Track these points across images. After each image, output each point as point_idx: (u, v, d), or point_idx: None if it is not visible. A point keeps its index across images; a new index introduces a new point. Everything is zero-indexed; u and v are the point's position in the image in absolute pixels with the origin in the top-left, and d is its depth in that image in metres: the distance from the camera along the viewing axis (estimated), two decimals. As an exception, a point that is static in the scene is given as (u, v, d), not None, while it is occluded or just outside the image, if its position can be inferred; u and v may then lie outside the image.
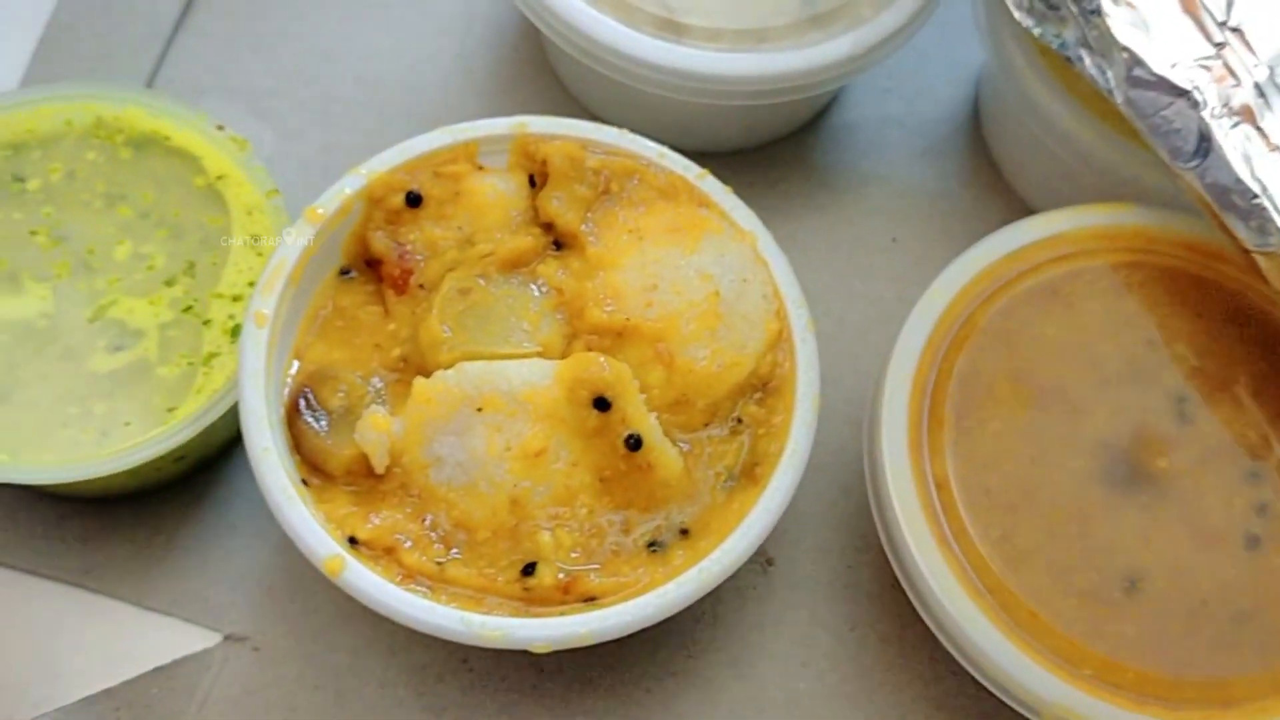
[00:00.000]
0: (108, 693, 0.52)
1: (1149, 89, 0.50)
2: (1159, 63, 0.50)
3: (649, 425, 0.48)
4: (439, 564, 0.47)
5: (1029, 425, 0.50)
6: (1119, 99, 0.51)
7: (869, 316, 0.62)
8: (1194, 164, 0.49)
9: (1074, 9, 0.52)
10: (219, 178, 0.55)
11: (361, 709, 0.53)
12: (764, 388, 0.51)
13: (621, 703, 0.54)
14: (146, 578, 0.54)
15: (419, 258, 0.52)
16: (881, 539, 0.50)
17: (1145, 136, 0.51)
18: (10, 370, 0.51)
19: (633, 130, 0.54)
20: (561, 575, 0.47)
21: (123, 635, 0.54)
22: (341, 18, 0.68)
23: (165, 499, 0.56)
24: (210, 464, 0.56)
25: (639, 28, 0.57)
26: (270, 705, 0.53)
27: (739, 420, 0.50)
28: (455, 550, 0.47)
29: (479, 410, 0.47)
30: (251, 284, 0.53)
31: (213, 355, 0.52)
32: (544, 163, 0.52)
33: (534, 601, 0.47)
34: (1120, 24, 0.50)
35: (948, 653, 0.55)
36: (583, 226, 0.51)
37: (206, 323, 0.52)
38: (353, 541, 0.47)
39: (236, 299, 0.53)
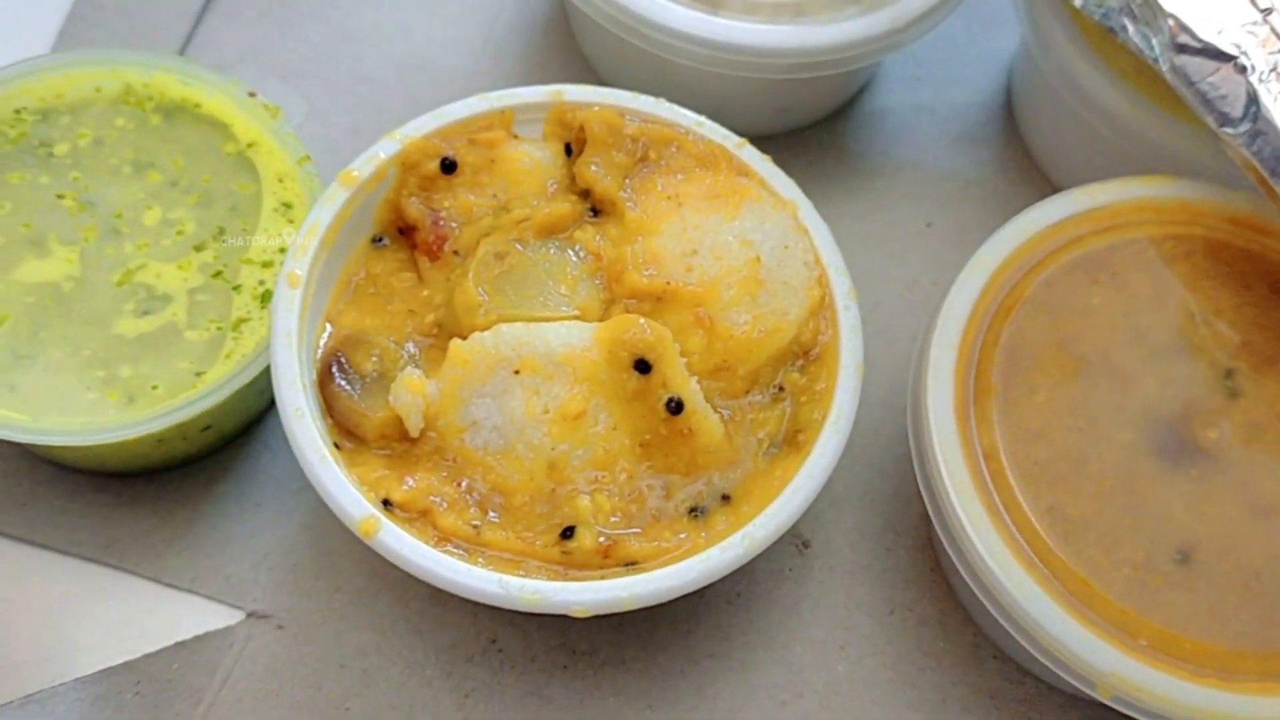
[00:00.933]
0: (128, 665, 0.50)
1: (1195, 55, 0.49)
2: (1205, 29, 0.49)
3: (690, 389, 0.46)
4: (475, 527, 0.45)
5: (1076, 396, 0.49)
6: (1164, 67, 0.50)
7: (904, 300, 0.61)
8: (1243, 129, 0.49)
9: (1117, -22, 0.51)
10: (250, 145, 0.54)
11: (389, 688, 0.51)
12: (806, 355, 0.50)
13: (655, 684, 0.52)
14: (168, 554, 0.53)
15: (453, 224, 0.51)
16: (929, 510, 0.49)
17: (1191, 104, 0.50)
18: (35, 333, 0.50)
19: (668, 108, 0.54)
20: (602, 539, 0.45)
21: (143, 611, 0.52)
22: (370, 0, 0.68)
23: (188, 475, 0.54)
24: (234, 440, 0.55)
25: (676, 0, 0.56)
26: (295, 683, 0.51)
27: (780, 388, 0.49)
28: (492, 514, 0.46)
29: (516, 372, 0.46)
30: (282, 250, 0.52)
31: (242, 320, 0.50)
32: (580, 130, 0.52)
33: (573, 565, 0.45)
34: (1166, -9, 0.50)
35: (989, 637, 0.54)
36: (621, 193, 0.50)
37: (236, 288, 0.51)
38: (387, 504, 0.45)
39: (267, 265, 0.52)
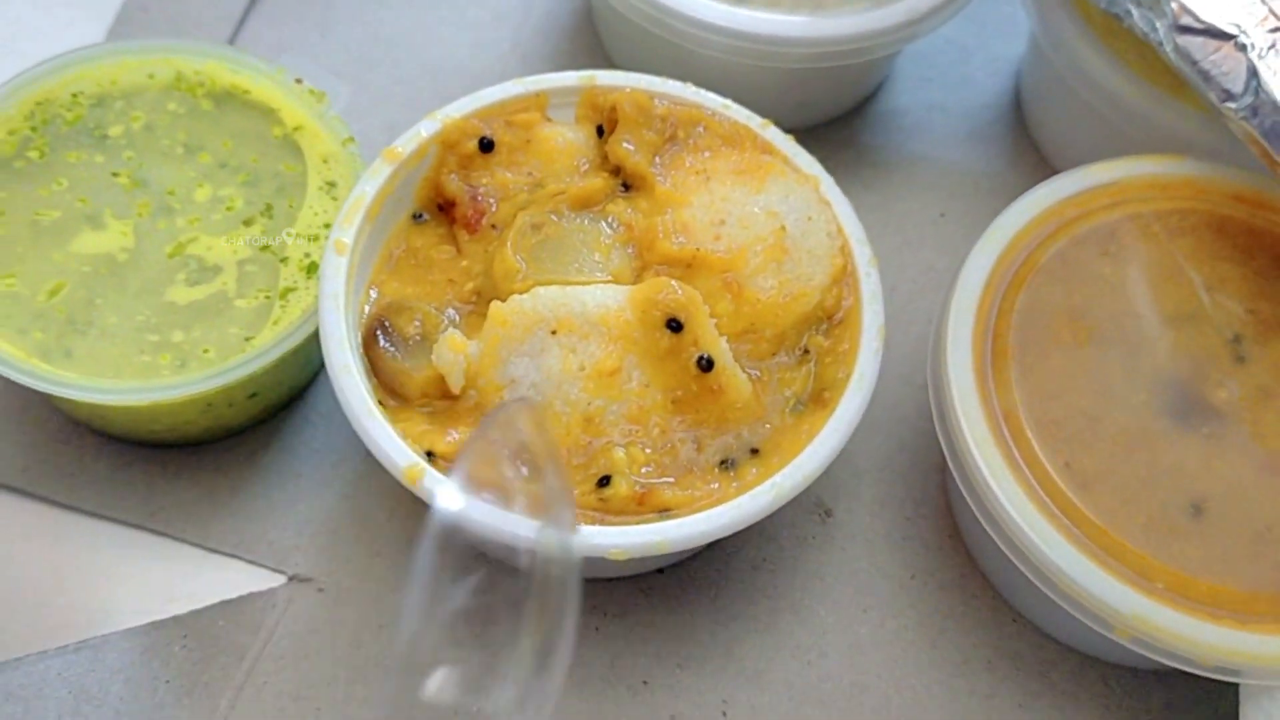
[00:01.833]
0: (176, 620, 0.52)
1: (1198, 35, 0.52)
2: (1206, 10, 0.52)
3: (720, 348, 0.48)
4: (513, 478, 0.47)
5: (1089, 360, 0.51)
6: (1168, 48, 0.53)
7: (920, 284, 0.63)
8: (1244, 103, 0.51)
9: (1121, -33, 0.54)
10: (296, 129, 0.56)
11: (426, 646, 0.53)
12: (830, 319, 0.52)
13: (684, 644, 0.53)
14: (212, 521, 0.55)
15: (491, 200, 0.53)
16: (950, 466, 0.50)
17: (1194, 83, 0.52)
18: (90, 301, 0.52)
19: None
20: (637, 487, 0.47)
21: (188, 575, 0.54)
22: (404, 6, 0.71)
23: (231, 447, 0.56)
24: (277, 412, 0.57)
25: (703, -7, 0.59)
26: (335, 642, 0.52)
27: (805, 350, 0.51)
28: (526, 465, 0.47)
29: (553, 332, 0.48)
30: (327, 225, 0.54)
31: (289, 290, 0.53)
32: (612, 110, 0.54)
33: (610, 512, 0.47)
34: (1167, -23, 0.53)
35: (1008, 601, 0.56)
36: (651, 168, 0.52)
37: (284, 260, 0.53)
38: (429, 456, 0.47)
39: (313, 239, 0.54)
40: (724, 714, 0.52)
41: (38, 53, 0.58)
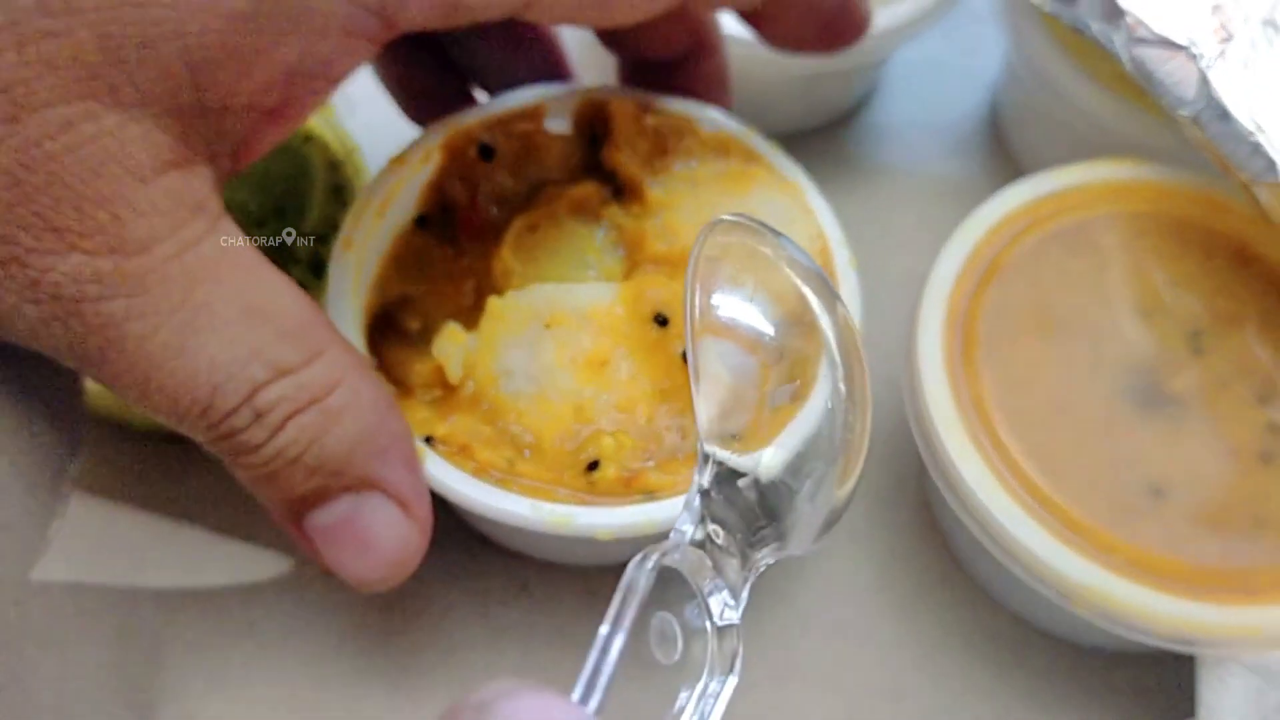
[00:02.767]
0: (192, 595, 0.55)
1: (1152, 46, 0.55)
2: (1159, 23, 0.55)
3: None
4: (509, 461, 0.50)
5: (1055, 351, 0.54)
6: (1125, 59, 0.56)
7: (900, 287, 0.66)
8: (1197, 109, 0.54)
9: (1082, -17, 0.58)
10: (305, 138, 0.60)
11: (427, 627, 0.55)
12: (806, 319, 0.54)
13: (673, 625, 0.56)
14: (224, 508, 0.58)
15: (491, 205, 0.56)
16: (921, 451, 0.53)
17: (1151, 91, 0.56)
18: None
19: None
20: (624, 472, 0.50)
21: (201, 557, 0.57)
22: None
23: (243, 440, 0.59)
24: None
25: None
26: (343, 622, 0.55)
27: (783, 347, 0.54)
28: (525, 451, 0.50)
29: (547, 326, 0.51)
30: (335, 227, 0.57)
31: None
32: (606, 121, 0.57)
33: (597, 494, 0.50)
34: (1125, -9, 0.56)
35: (983, 586, 0.58)
36: (643, 176, 0.55)
37: (295, 261, 0.57)
38: (429, 441, 0.50)
39: (321, 240, 0.57)
40: (710, 689, 0.55)
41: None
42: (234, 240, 0.41)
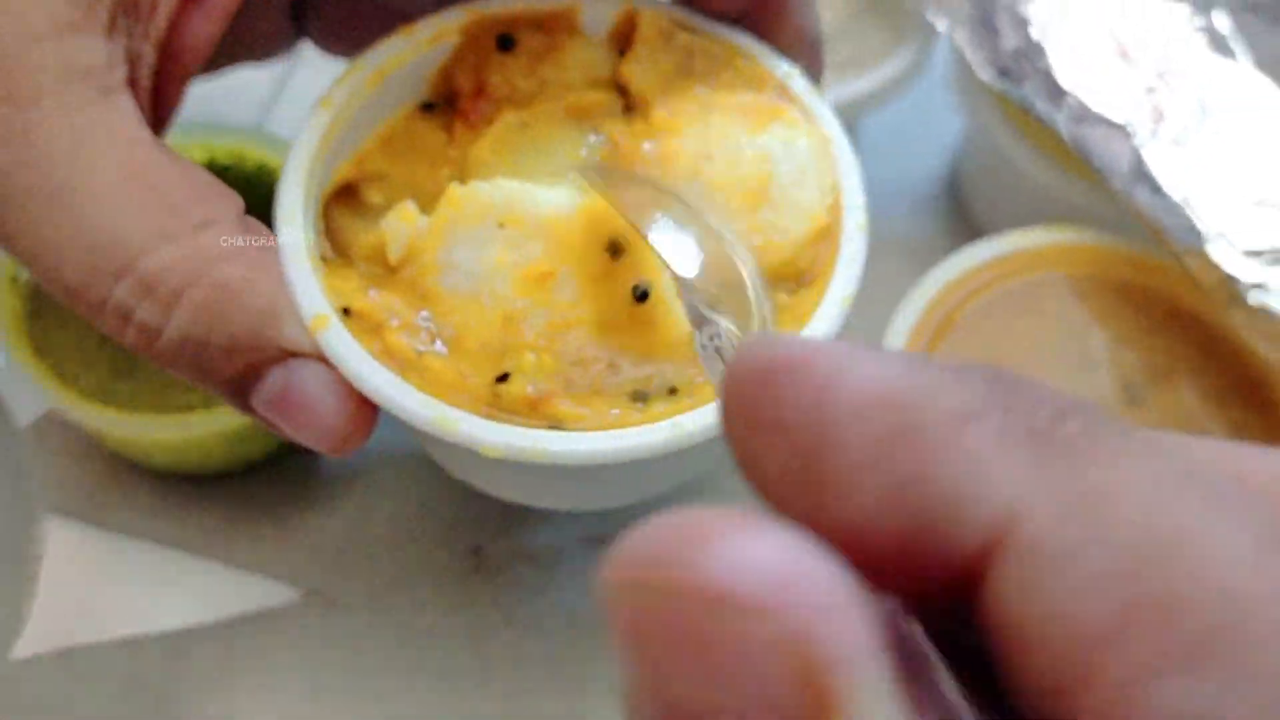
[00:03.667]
0: (203, 627, 0.59)
1: (1091, 125, 0.61)
2: (1097, 104, 0.60)
3: (662, 281, 0.47)
4: (419, 352, 0.46)
5: (1002, 403, 0.59)
6: (1066, 135, 0.61)
7: (865, 340, 0.71)
8: (1132, 184, 0.59)
9: (1029, 66, 0.63)
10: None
11: (419, 646, 0.60)
12: (799, 280, 0.49)
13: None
14: (236, 542, 0.62)
15: (497, 97, 0.53)
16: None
17: (1090, 166, 0.61)
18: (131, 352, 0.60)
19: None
20: (531, 389, 0.46)
21: (214, 589, 0.61)
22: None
23: (251, 477, 0.64)
24: (293, 447, 0.64)
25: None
26: (343, 645, 0.60)
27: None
28: (440, 345, 0.47)
29: (501, 225, 0.47)
30: (341, 284, 0.62)
31: (307, 340, 0.60)
32: (635, 29, 0.53)
33: (500, 409, 0.45)
34: (1065, 74, 0.61)
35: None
36: (656, 93, 0.52)
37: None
38: (346, 312, 0.46)
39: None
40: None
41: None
42: (128, 115, 0.41)
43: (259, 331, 0.42)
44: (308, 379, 0.43)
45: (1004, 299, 0.62)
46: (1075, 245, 0.64)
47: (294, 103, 0.78)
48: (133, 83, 0.43)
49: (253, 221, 0.44)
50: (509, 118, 0.51)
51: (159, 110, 0.47)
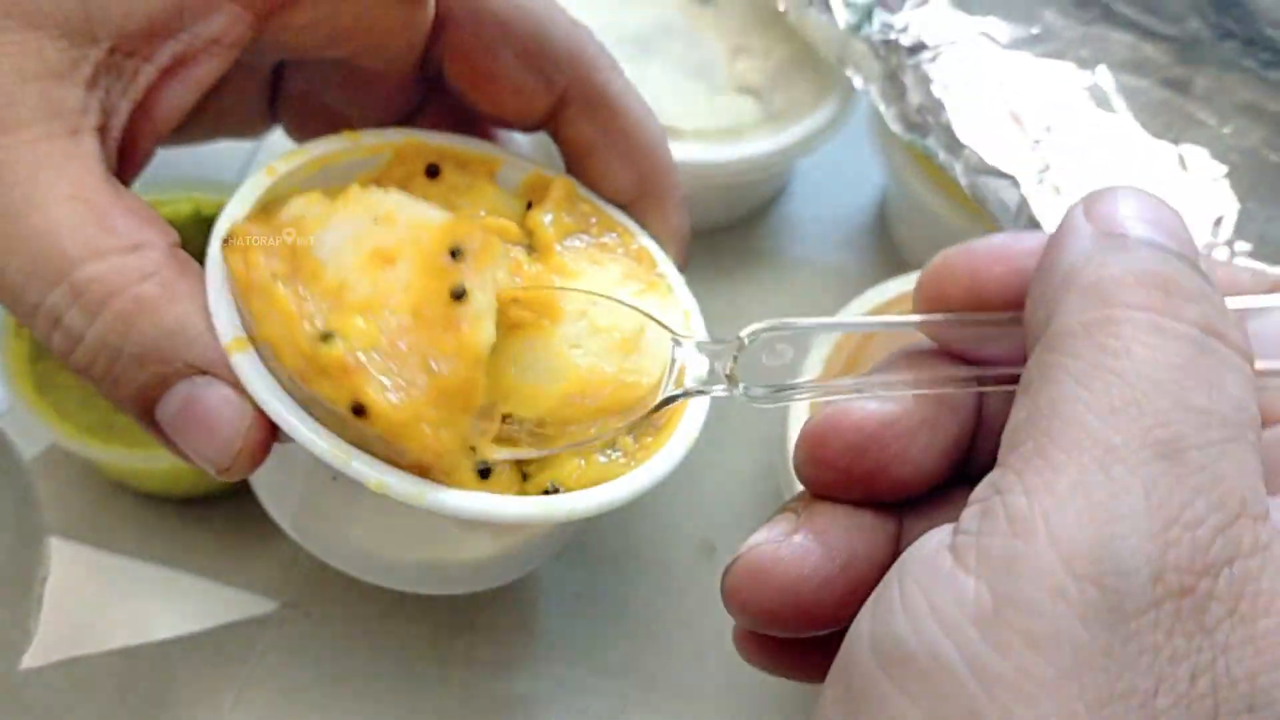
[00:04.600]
0: (191, 636, 0.66)
1: (985, 175, 0.67)
2: (991, 156, 0.67)
3: (487, 293, 0.49)
4: (276, 276, 0.49)
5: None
6: (964, 184, 0.68)
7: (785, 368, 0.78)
8: (1020, 227, 0.66)
9: (932, 120, 0.69)
10: (289, 249, 0.72)
11: (391, 658, 0.67)
12: (642, 423, 0.54)
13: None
14: (220, 558, 0.69)
15: None
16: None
17: (984, 209, 0.68)
18: (128, 387, 0.67)
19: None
20: (350, 359, 0.47)
21: (196, 601, 0.68)
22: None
23: (236, 498, 0.70)
24: (273, 472, 0.71)
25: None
26: (319, 655, 0.67)
27: (612, 445, 0.54)
28: (282, 283, 0.49)
29: (375, 221, 0.50)
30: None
31: (282, 377, 0.67)
32: (544, 189, 0.59)
33: (315, 369, 0.47)
34: (963, 129, 0.68)
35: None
36: (557, 243, 0.57)
37: (278, 353, 0.68)
38: (225, 242, 0.50)
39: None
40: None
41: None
42: (88, 152, 0.47)
43: (169, 344, 0.45)
44: (211, 395, 0.46)
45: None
46: (977, 281, 0.70)
47: (273, 153, 0.85)
48: (103, 131, 0.49)
49: (182, 253, 0.48)
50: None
51: (125, 161, 0.52)
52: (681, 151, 0.71)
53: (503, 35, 0.57)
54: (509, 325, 0.52)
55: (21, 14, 0.47)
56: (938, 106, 0.69)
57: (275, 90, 0.64)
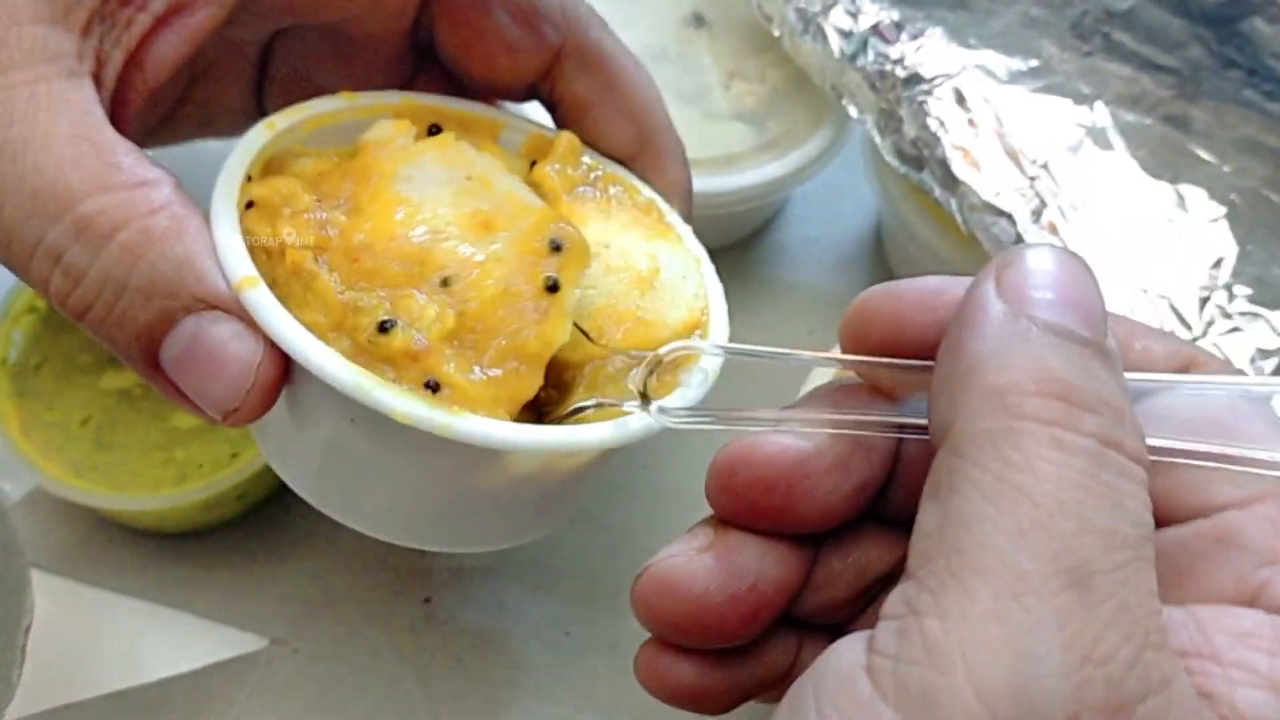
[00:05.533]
0: (180, 676, 0.66)
1: (980, 212, 0.66)
2: (986, 192, 0.66)
3: (571, 292, 0.49)
4: (312, 254, 0.46)
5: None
6: (960, 219, 0.67)
7: (785, 390, 0.77)
8: (1014, 266, 0.65)
9: (927, 154, 0.68)
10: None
11: (377, 696, 0.67)
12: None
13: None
14: (210, 595, 0.69)
15: None
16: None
17: (979, 244, 0.67)
18: (113, 425, 0.66)
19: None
20: (416, 344, 0.45)
21: (189, 639, 0.68)
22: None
23: (224, 536, 0.70)
24: (262, 506, 0.71)
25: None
26: (306, 693, 0.66)
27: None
28: (323, 262, 0.46)
29: (469, 179, 0.50)
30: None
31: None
32: (548, 145, 0.59)
33: (375, 358, 0.45)
34: (959, 166, 0.67)
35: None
36: (564, 194, 0.57)
37: (264, 390, 0.68)
38: (249, 206, 0.48)
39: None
40: (611, 749, 0.66)
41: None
42: (86, 95, 0.46)
43: (177, 277, 0.43)
44: (220, 330, 0.43)
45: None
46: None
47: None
48: (97, 79, 0.48)
49: (187, 195, 0.46)
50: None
51: (117, 111, 0.51)
52: None
53: None
54: None
55: None
56: (933, 141, 0.68)
57: (262, 78, 0.62)
